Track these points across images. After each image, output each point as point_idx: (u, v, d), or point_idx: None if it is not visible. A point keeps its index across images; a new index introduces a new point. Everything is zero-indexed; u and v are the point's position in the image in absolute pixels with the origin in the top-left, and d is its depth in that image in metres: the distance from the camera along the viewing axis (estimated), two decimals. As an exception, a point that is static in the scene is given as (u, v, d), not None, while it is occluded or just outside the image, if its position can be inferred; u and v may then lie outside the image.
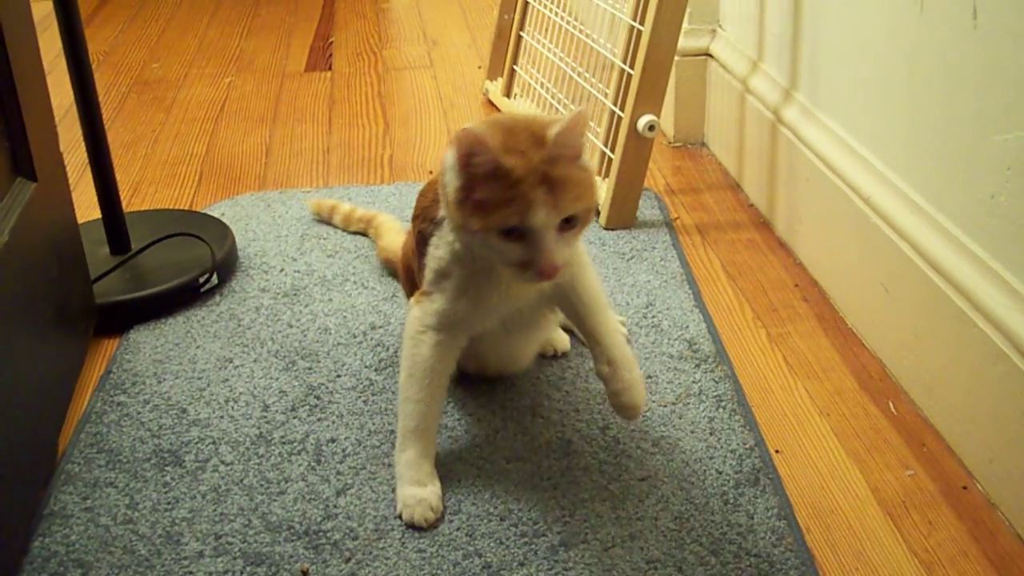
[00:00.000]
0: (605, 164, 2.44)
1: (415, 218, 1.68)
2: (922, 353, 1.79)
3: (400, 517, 1.56)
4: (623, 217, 2.39)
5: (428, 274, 1.60)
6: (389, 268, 2.20)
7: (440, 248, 1.57)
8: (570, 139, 1.39)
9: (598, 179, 2.46)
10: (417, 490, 1.57)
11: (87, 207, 2.33)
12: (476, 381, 1.83)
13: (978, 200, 1.64)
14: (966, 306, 1.65)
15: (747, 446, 1.70)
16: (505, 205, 1.37)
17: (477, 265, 1.53)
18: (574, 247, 1.48)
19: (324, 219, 2.42)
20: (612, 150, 2.39)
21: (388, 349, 1.95)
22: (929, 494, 1.64)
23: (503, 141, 1.39)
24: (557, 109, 2.73)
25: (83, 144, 2.12)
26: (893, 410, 1.82)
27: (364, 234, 2.36)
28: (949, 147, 1.71)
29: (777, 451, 1.72)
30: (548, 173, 1.38)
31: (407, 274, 1.80)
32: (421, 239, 1.63)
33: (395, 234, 2.20)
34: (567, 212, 1.40)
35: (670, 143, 2.90)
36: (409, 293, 1.78)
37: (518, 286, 1.55)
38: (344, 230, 2.38)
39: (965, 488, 1.65)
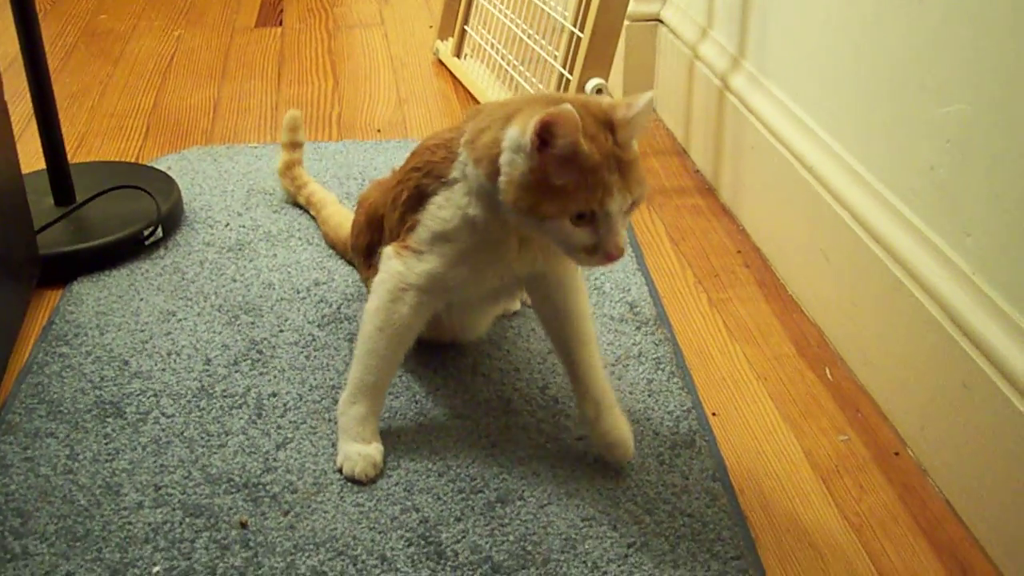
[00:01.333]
0: (553, 127, 2.44)
1: (413, 170, 1.59)
2: (859, 320, 1.82)
3: (340, 470, 1.58)
4: (569, 180, 2.40)
5: (423, 232, 1.54)
6: (335, 249, 2.16)
7: (446, 210, 1.51)
8: (641, 123, 1.37)
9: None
10: (361, 446, 1.58)
11: (32, 158, 2.31)
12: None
13: (918, 171, 1.66)
14: (902, 275, 1.67)
15: (684, 408, 1.72)
16: (584, 190, 1.34)
17: (488, 235, 1.49)
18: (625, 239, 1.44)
19: (283, 139, 2.31)
20: (560, 113, 2.40)
21: (331, 305, 1.95)
22: (862, 459, 1.67)
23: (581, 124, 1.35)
24: (506, 70, 2.73)
25: (28, 94, 2.10)
26: (829, 376, 1.85)
27: (293, 197, 2.31)
28: (892, 119, 1.73)
29: (714, 414, 1.74)
30: (620, 157, 1.36)
31: (371, 225, 1.75)
32: (418, 194, 1.56)
33: (335, 208, 2.20)
34: (636, 195, 1.39)
35: (618, 108, 2.90)
36: (365, 245, 1.76)
37: (519, 264, 1.53)
38: (279, 172, 2.33)
39: (897, 454, 1.68)
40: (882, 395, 1.77)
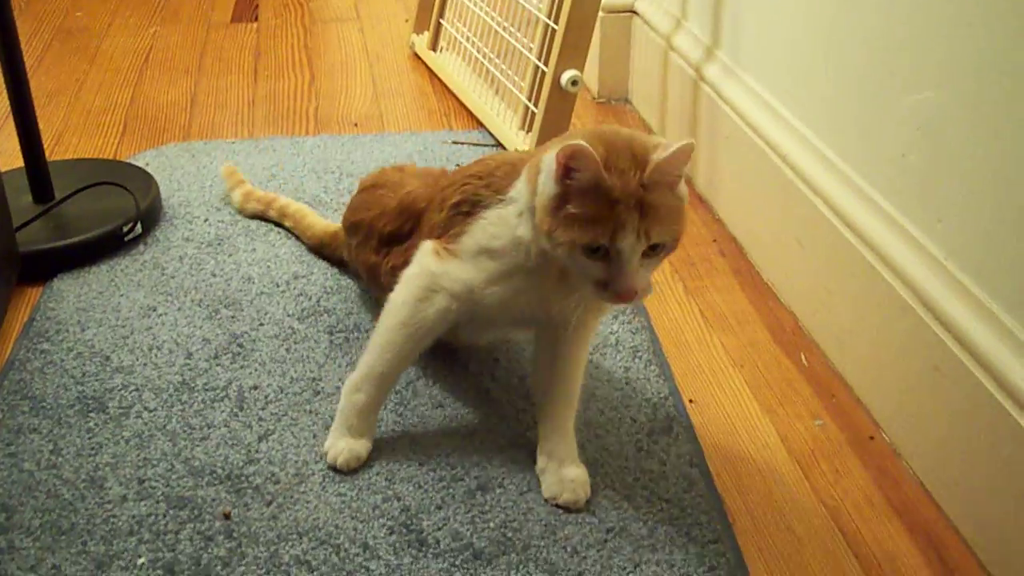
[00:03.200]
0: (528, 118, 2.46)
1: (473, 176, 1.56)
2: (833, 307, 1.84)
3: (325, 455, 1.60)
4: (546, 171, 2.41)
5: (468, 241, 1.52)
6: (323, 251, 2.12)
7: (497, 226, 1.49)
8: (672, 168, 1.34)
9: (522, 133, 2.48)
10: (350, 440, 1.60)
11: (9, 156, 2.32)
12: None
13: (889, 158, 1.68)
14: (876, 261, 1.69)
15: (661, 395, 1.74)
16: (597, 223, 1.33)
17: (531, 264, 1.47)
18: (649, 278, 1.40)
19: (227, 191, 2.30)
20: (536, 104, 2.42)
21: (311, 298, 1.96)
22: (837, 443, 1.69)
23: (605, 157, 1.33)
24: (482, 63, 2.75)
25: (5, 92, 2.10)
26: (805, 362, 1.87)
27: (262, 217, 2.25)
28: (864, 107, 1.75)
29: (691, 401, 1.76)
30: (644, 198, 1.33)
31: (403, 214, 1.72)
32: (472, 202, 1.54)
33: (316, 215, 2.18)
34: (655, 239, 1.35)
35: (594, 99, 2.93)
36: (389, 232, 1.74)
37: (555, 299, 1.49)
38: (239, 209, 2.27)
39: (872, 438, 1.70)
40: (856, 380, 1.79)
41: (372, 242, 1.78)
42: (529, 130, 2.45)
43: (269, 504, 1.52)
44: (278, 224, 2.22)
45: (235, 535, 1.47)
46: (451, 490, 1.55)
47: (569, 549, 1.46)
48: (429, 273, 1.54)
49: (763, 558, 1.48)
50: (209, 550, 1.44)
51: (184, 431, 1.65)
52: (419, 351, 1.59)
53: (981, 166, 1.47)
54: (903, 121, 1.63)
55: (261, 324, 1.89)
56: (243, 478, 1.56)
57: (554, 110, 2.37)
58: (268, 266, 2.07)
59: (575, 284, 1.44)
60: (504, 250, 1.49)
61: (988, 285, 1.48)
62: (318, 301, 1.96)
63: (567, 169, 1.33)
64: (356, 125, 2.75)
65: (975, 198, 1.49)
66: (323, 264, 2.07)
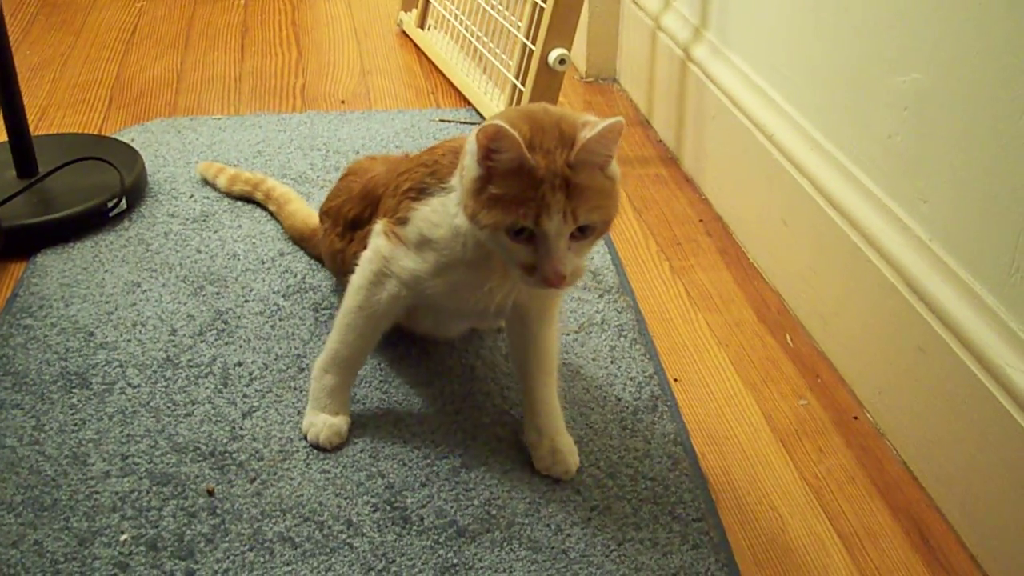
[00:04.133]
0: (516, 97, 2.45)
1: (422, 165, 1.53)
2: (819, 287, 1.84)
3: (305, 437, 1.60)
4: (532, 150, 2.41)
5: (412, 231, 1.50)
6: (302, 244, 2.09)
7: (437, 215, 1.46)
8: (600, 147, 1.30)
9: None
10: (327, 416, 1.60)
11: (-6, 130, 2.31)
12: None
13: (876, 139, 1.68)
14: (861, 242, 1.70)
15: (647, 374, 1.74)
16: (520, 204, 1.28)
17: (470, 255, 1.43)
18: (580, 262, 1.36)
19: (209, 181, 2.28)
20: (523, 83, 2.41)
21: (296, 275, 1.96)
22: (821, 423, 1.69)
23: (530, 137, 1.28)
24: (470, 42, 2.74)
25: (-11, 66, 2.09)
26: (790, 342, 1.87)
27: (249, 199, 2.23)
28: (851, 88, 1.75)
29: (676, 379, 1.76)
30: (571, 178, 1.28)
31: (365, 199, 1.69)
32: (418, 189, 1.51)
33: (300, 203, 2.15)
34: (583, 221, 1.30)
35: (582, 78, 2.92)
36: (352, 217, 1.71)
37: (499, 290, 1.44)
38: (227, 192, 2.25)
39: (855, 418, 1.71)
40: (841, 360, 1.79)
41: (338, 228, 1.77)
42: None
43: (253, 481, 1.52)
44: (263, 207, 2.20)
45: (218, 512, 1.46)
46: (435, 468, 1.55)
47: (553, 527, 1.46)
48: (380, 257, 1.54)
49: (746, 536, 1.48)
50: (192, 526, 1.44)
51: (168, 407, 1.65)
52: (380, 332, 1.60)
53: (966, 147, 1.47)
54: (890, 102, 1.63)
55: (246, 301, 1.89)
56: (227, 455, 1.56)
57: (541, 89, 2.36)
58: (254, 243, 2.06)
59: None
60: (444, 241, 1.46)
61: (972, 266, 1.48)
62: (303, 278, 1.96)
63: (488, 150, 1.29)
64: (343, 102, 2.74)
65: (960, 179, 1.49)
66: (308, 241, 2.07)
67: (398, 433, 1.61)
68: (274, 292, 1.92)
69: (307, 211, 2.10)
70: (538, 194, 1.28)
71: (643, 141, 2.58)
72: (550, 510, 1.49)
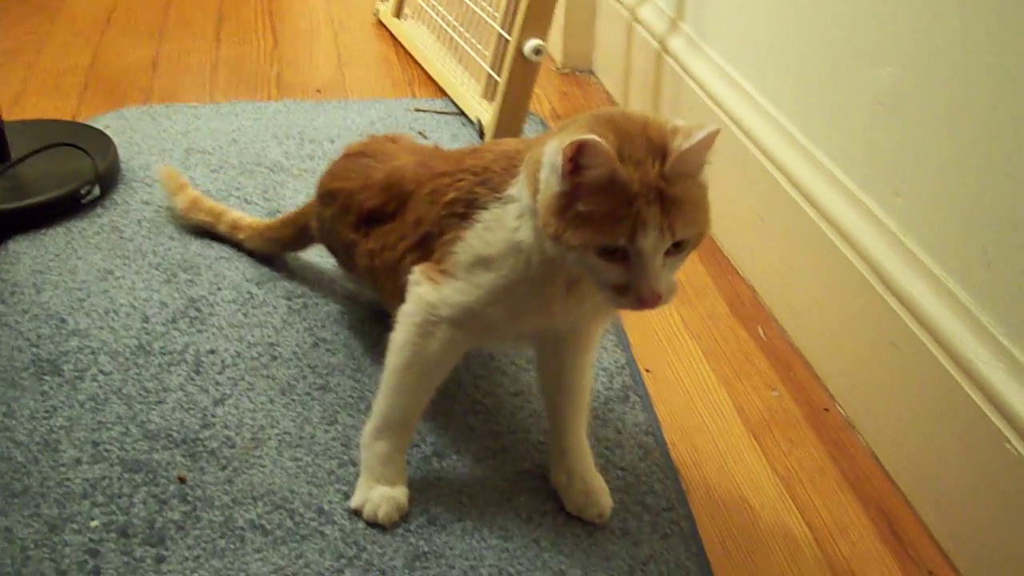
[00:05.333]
0: (491, 87, 2.45)
1: (468, 171, 1.41)
2: (792, 281, 1.85)
3: (358, 513, 1.46)
4: (508, 141, 2.41)
5: (463, 254, 1.37)
6: (274, 245, 1.96)
7: (494, 231, 1.33)
8: (696, 156, 1.20)
9: (484, 102, 2.48)
10: (385, 488, 1.46)
11: (-33, 115, 2.30)
12: (357, 293, 1.86)
13: (850, 134, 1.69)
14: (835, 236, 1.70)
15: (619, 365, 1.75)
16: (613, 222, 1.17)
17: (535, 271, 1.31)
18: (674, 278, 1.24)
19: (168, 194, 2.09)
20: (499, 73, 2.41)
21: (269, 263, 1.96)
22: (792, 415, 1.70)
23: (619, 147, 1.18)
24: (446, 32, 2.74)
25: (-37, 50, 2.08)
26: (762, 335, 1.87)
27: (210, 229, 2.04)
28: (827, 82, 1.76)
29: (648, 370, 1.77)
30: (665, 191, 1.17)
31: (389, 190, 1.56)
32: (466, 201, 1.39)
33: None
34: (680, 236, 1.19)
35: (558, 69, 2.92)
36: (369, 209, 1.58)
37: (563, 311, 1.35)
38: (182, 216, 2.06)
39: (827, 410, 1.72)
40: (813, 353, 1.80)
41: (350, 217, 1.63)
42: (492, 99, 2.44)
43: (224, 468, 1.51)
44: (228, 241, 2.02)
45: (190, 499, 1.46)
46: (408, 455, 1.55)
47: (524, 515, 1.46)
48: (425, 305, 1.39)
49: (716, 526, 1.49)
50: (163, 513, 1.44)
51: (140, 395, 1.64)
52: (435, 386, 1.46)
53: (938, 141, 1.48)
54: (865, 96, 1.64)
55: (219, 288, 1.89)
56: (198, 442, 1.56)
57: (517, 79, 2.36)
58: (227, 231, 2.06)
59: (586, 293, 1.32)
60: (503, 258, 1.33)
61: (944, 260, 1.49)
62: (276, 267, 1.95)
63: (575, 164, 1.17)
64: (319, 91, 2.73)
65: (933, 174, 1.50)
66: (283, 230, 2.06)
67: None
68: (247, 280, 1.91)
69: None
70: (632, 210, 1.17)
71: (619, 133, 2.58)
72: (521, 499, 1.49)
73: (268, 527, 1.42)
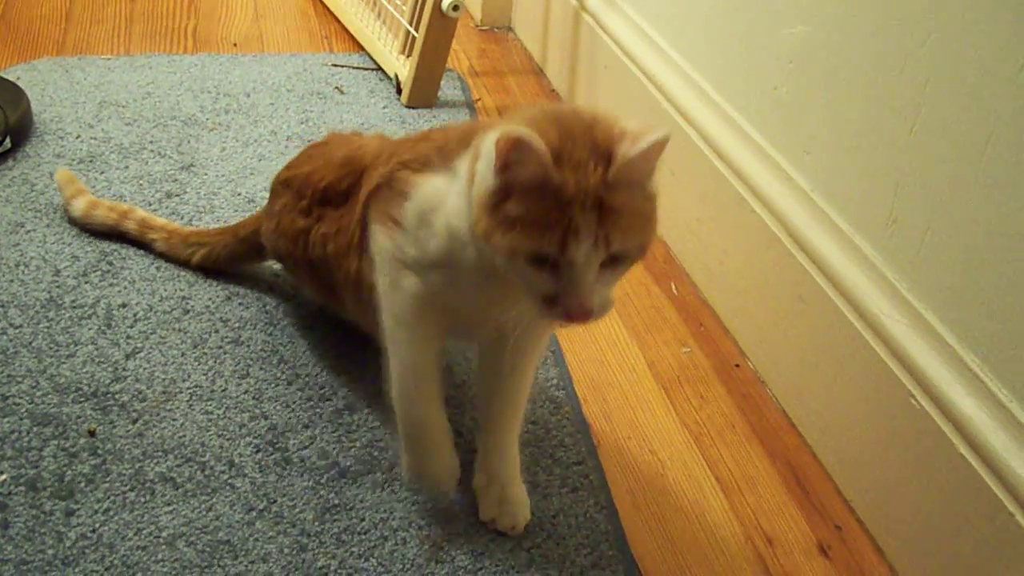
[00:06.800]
0: (409, 42, 2.45)
1: (428, 139, 1.36)
2: (704, 237, 1.86)
3: (412, 480, 1.44)
4: (424, 96, 2.41)
5: (410, 205, 1.30)
6: (196, 252, 1.81)
7: (437, 196, 1.26)
8: (643, 164, 1.10)
9: (402, 58, 2.47)
10: (435, 456, 1.39)
11: None
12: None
13: (761, 91, 1.70)
14: (746, 192, 1.72)
15: (532, 320, 1.76)
16: (544, 228, 1.08)
17: (471, 265, 1.23)
18: (609, 293, 1.16)
19: (65, 198, 1.91)
20: (416, 29, 2.40)
21: (183, 217, 1.94)
22: (703, 370, 1.72)
23: (559, 146, 1.09)
24: (365, -13, 2.72)
25: None
26: (675, 291, 1.89)
27: (116, 228, 1.87)
28: (740, 40, 1.77)
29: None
30: (605, 198, 1.08)
31: (347, 165, 1.49)
32: (419, 161, 1.32)
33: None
34: (617, 248, 1.11)
35: (477, 26, 2.92)
36: (325, 187, 1.51)
37: (499, 311, 1.25)
38: (82, 221, 1.89)
39: (737, 366, 1.74)
40: (724, 308, 1.82)
41: (302, 203, 1.55)
42: (409, 54, 2.43)
43: (135, 422, 1.51)
44: (139, 244, 1.86)
45: (100, 452, 1.46)
46: (319, 409, 1.55)
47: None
48: (387, 254, 1.33)
49: (626, 479, 1.51)
50: (73, 467, 1.43)
51: (50, 348, 1.63)
52: (439, 334, 1.37)
53: (847, 99, 1.50)
54: (776, 55, 1.65)
55: (131, 242, 1.87)
56: (109, 396, 1.55)
57: (434, 35, 2.35)
58: (140, 184, 2.04)
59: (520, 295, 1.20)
60: (439, 237, 1.25)
61: (852, 217, 1.51)
62: (191, 220, 1.94)
63: (508, 161, 1.09)
64: (236, 45, 2.71)
65: (841, 131, 1.51)
66: (197, 183, 2.05)
67: (282, 375, 1.61)
68: (160, 234, 1.90)
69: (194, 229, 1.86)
70: (565, 216, 1.08)
71: (536, 90, 2.59)
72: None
73: (179, 480, 1.42)
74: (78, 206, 1.88)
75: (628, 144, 1.08)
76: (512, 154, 1.07)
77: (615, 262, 1.12)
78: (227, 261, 1.78)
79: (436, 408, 1.37)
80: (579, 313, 1.11)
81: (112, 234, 1.87)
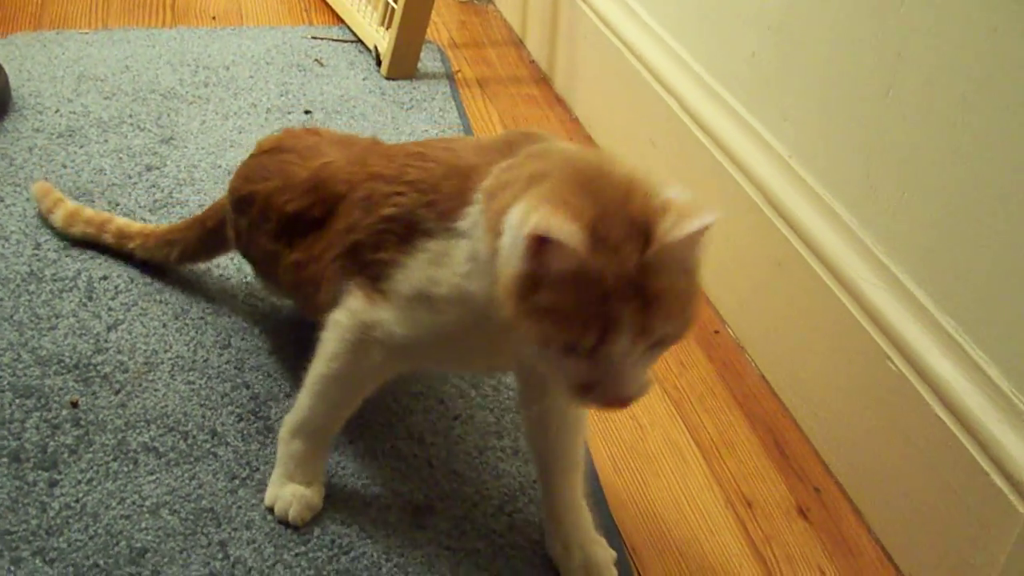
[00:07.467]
0: (388, 14, 2.44)
1: (409, 184, 1.21)
2: (683, 205, 1.87)
3: (270, 510, 1.37)
4: (404, 67, 2.41)
5: (402, 283, 1.18)
6: (174, 249, 1.71)
7: (440, 268, 1.15)
8: (689, 250, 1.01)
9: (382, 30, 2.47)
10: (296, 487, 1.35)
11: None
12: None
13: (740, 58, 1.71)
14: (724, 160, 1.73)
15: (513, 289, 1.76)
16: (580, 321, 0.98)
17: (487, 321, 1.09)
18: (644, 381, 1.05)
19: (43, 212, 1.84)
20: (395, 0, 2.40)
21: (163, 190, 1.94)
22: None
23: (593, 226, 0.97)
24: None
25: None
26: (655, 259, 1.90)
27: (95, 240, 1.79)
28: (718, 7, 1.77)
29: (542, 294, 1.78)
30: (645, 285, 0.98)
31: (315, 192, 1.35)
32: (408, 222, 1.19)
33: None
34: (659, 335, 1.01)
35: (457, -1, 2.92)
36: (293, 211, 1.37)
37: (510, 349, 1.16)
38: (63, 231, 1.80)
39: (717, 332, 1.75)
40: (704, 275, 1.82)
41: (269, 225, 1.43)
42: (389, 26, 2.43)
43: (117, 392, 1.51)
44: (118, 254, 1.78)
45: (82, 423, 1.46)
46: (300, 378, 1.54)
47: (416, 436, 1.48)
48: (359, 323, 1.23)
49: (607, 445, 1.52)
50: (56, 438, 1.43)
51: (31, 321, 1.63)
52: (360, 399, 1.33)
53: (825, 66, 1.50)
54: (754, 21, 1.66)
55: (112, 215, 1.87)
56: (91, 367, 1.55)
57: (414, 6, 2.35)
58: (120, 157, 2.03)
59: None
60: (448, 304, 1.15)
61: (830, 183, 1.52)
62: (170, 193, 1.94)
63: (539, 253, 0.98)
64: (214, 18, 2.70)
65: (820, 98, 1.52)
66: (176, 156, 2.04)
67: (263, 344, 1.62)
68: (141, 207, 1.90)
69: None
70: (604, 309, 0.98)
71: (516, 61, 2.59)
72: (414, 419, 1.51)
73: (161, 449, 1.43)
74: (56, 220, 1.80)
75: (670, 223, 0.98)
76: (543, 245, 0.97)
77: (655, 345, 1.03)
78: (204, 253, 1.71)
79: (338, 425, 1.36)
80: (619, 401, 1.04)
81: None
